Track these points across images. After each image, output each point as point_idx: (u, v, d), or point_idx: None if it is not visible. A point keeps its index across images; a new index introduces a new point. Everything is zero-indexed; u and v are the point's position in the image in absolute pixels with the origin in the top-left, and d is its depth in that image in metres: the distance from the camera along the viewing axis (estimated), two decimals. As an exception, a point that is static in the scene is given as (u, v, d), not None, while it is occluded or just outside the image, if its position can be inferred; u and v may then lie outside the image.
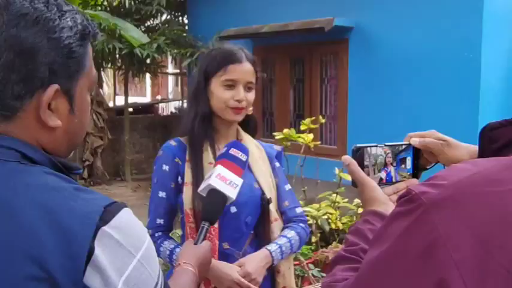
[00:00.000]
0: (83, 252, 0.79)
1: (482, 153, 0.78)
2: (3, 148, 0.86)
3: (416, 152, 1.21)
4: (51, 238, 0.79)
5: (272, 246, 1.81)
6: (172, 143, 1.88)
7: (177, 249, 1.76)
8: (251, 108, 1.88)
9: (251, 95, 1.84)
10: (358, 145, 1.13)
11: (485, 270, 0.60)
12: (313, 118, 4.93)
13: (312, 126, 4.60)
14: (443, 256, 0.62)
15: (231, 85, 1.80)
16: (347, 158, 1.10)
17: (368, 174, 1.11)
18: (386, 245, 0.69)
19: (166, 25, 9.24)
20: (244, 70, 1.82)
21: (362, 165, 1.11)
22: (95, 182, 9.24)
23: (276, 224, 1.88)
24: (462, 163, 0.71)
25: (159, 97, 16.36)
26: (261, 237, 1.90)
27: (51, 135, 0.92)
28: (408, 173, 1.20)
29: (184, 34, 8.75)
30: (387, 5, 6.08)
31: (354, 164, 1.09)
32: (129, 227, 0.86)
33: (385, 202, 1.04)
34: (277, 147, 2.05)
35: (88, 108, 0.99)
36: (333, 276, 0.87)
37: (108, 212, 0.84)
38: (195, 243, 1.43)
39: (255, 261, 1.76)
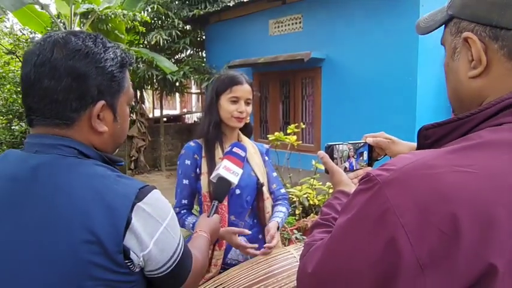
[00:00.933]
0: (122, 221, 0.79)
1: (419, 147, 0.77)
2: (65, 147, 0.86)
3: (370, 148, 1.21)
4: (99, 212, 0.78)
5: (278, 219, 1.81)
6: (192, 143, 1.86)
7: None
8: (248, 118, 1.87)
9: (249, 108, 1.83)
10: (329, 143, 1.13)
11: (424, 229, 0.60)
12: (296, 124, 4.94)
13: (296, 130, 4.61)
14: (393, 220, 0.62)
15: (235, 100, 1.79)
16: (321, 153, 1.10)
17: (337, 164, 1.11)
18: (352, 212, 0.69)
19: (190, 58, 9.20)
20: (245, 90, 1.80)
21: (332, 158, 1.11)
22: (139, 171, 9.25)
23: (268, 201, 1.88)
24: (406, 154, 0.70)
25: (185, 110, 16.34)
26: (256, 210, 1.90)
27: (100, 138, 0.91)
28: (365, 163, 1.20)
29: (203, 64, 8.71)
30: (348, 43, 6.07)
31: (327, 157, 1.09)
32: (157, 203, 0.86)
33: (349, 184, 1.04)
34: (267, 146, 2.03)
35: (127, 117, 0.98)
36: (313, 237, 0.87)
37: (142, 192, 0.84)
38: (208, 216, 1.42)
39: (274, 228, 1.74)
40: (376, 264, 0.64)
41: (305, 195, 4.40)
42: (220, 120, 1.82)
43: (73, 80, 0.84)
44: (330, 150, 1.12)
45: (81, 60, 0.85)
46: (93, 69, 0.86)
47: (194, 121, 13.00)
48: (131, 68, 1.01)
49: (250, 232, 1.70)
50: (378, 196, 0.65)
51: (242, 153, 1.64)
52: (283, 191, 1.97)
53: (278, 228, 1.79)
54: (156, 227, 0.84)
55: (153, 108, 12.69)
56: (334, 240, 0.73)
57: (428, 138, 0.75)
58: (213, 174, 1.55)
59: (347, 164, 1.15)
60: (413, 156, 0.68)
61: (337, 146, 1.13)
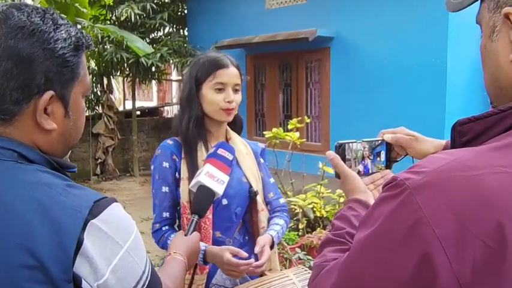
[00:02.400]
0: (72, 243, 0.78)
1: (453, 145, 0.79)
2: (2, 149, 0.85)
3: (389, 146, 1.23)
4: (42, 230, 0.77)
5: (273, 233, 1.80)
6: (169, 141, 1.85)
7: None
8: (237, 109, 1.86)
9: (238, 97, 1.81)
10: (341, 141, 1.14)
11: (464, 242, 0.62)
12: (300, 118, 4.93)
13: (299, 125, 4.61)
14: (426, 232, 0.64)
15: (220, 88, 1.77)
16: (331, 153, 1.11)
17: (350, 167, 1.12)
18: (375, 225, 0.71)
19: (169, 37, 9.18)
20: (232, 74, 1.79)
21: (344, 159, 1.13)
22: (106, 177, 9.24)
23: (263, 213, 1.87)
24: (439, 153, 0.72)
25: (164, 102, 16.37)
26: (248, 225, 1.89)
27: (47, 137, 0.90)
28: (382, 165, 1.22)
29: (185, 45, 8.69)
30: (363, 17, 6.08)
31: (337, 158, 1.10)
32: (117, 220, 0.85)
33: (365, 191, 1.05)
34: (262, 145, 2.03)
35: (83, 112, 0.97)
36: (323, 257, 0.88)
37: (98, 206, 0.83)
38: (186, 235, 1.42)
39: (265, 241, 1.74)
40: (407, 286, 0.65)
41: (310, 206, 4.41)
42: (203, 114, 1.81)
43: (14, 65, 0.83)
44: (341, 150, 1.13)
45: (25, 40, 0.84)
46: (39, 52, 0.85)
47: (175, 115, 12.94)
48: (90, 50, 1.01)
49: (247, 255, 1.69)
50: (408, 204, 0.66)
51: (229, 156, 1.63)
52: (282, 201, 1.97)
53: (272, 246, 1.78)
54: (114, 251, 0.83)
55: (124, 99, 12.69)
56: (354, 259, 0.74)
57: (464, 134, 0.77)
58: (193, 182, 1.55)
59: (361, 167, 1.17)
60: (448, 155, 0.69)
61: (349, 144, 1.15)
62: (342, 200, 4.40)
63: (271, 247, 1.78)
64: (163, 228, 1.81)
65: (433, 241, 0.63)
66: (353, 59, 6.25)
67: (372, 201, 1.00)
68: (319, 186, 4.53)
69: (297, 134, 4.53)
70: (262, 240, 1.73)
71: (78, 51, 0.92)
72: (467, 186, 0.64)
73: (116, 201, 0.87)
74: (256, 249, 1.70)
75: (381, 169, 1.21)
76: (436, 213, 0.64)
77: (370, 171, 1.18)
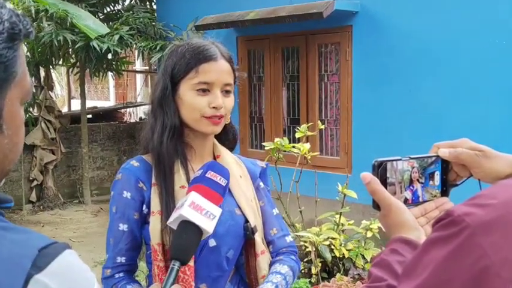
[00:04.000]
0: None
1: None
2: None
3: (446, 165, 1.23)
4: None
5: (269, 286, 1.79)
6: (134, 163, 1.86)
7: None
8: (229, 116, 1.87)
9: (230, 100, 1.82)
10: (380, 159, 1.15)
11: None
12: (311, 124, 4.94)
13: (309, 133, 4.62)
14: (496, 286, 0.64)
15: (205, 89, 1.78)
16: (367, 175, 1.11)
17: (393, 194, 1.13)
18: (424, 275, 0.71)
19: (131, 12, 9.17)
20: (220, 70, 1.80)
21: (385, 183, 1.13)
22: (45, 206, 9.17)
23: (263, 257, 1.88)
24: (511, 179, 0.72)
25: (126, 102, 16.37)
26: (244, 272, 1.90)
27: None
28: (437, 190, 1.22)
29: (153, 23, 8.70)
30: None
31: (376, 182, 1.10)
32: (70, 274, 0.85)
33: (417, 228, 1.05)
34: (262, 164, 2.05)
35: (22, 124, 0.97)
36: None
37: (44, 256, 0.82)
38: None
39: None
40: None
41: (326, 242, 4.41)
42: (181, 123, 1.82)
43: None
44: (381, 171, 1.14)
45: None
46: None
47: (140, 118, 12.97)
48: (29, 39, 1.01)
49: None
50: (469, 248, 0.67)
51: (222, 181, 1.64)
52: (289, 239, 1.97)
53: None
54: None
55: (69, 97, 12.66)
56: None
57: None
58: (173, 217, 1.54)
59: (408, 194, 1.17)
60: None
61: (392, 163, 1.16)
62: (369, 234, 4.41)
63: None
64: (117, 276, 1.82)
65: None
66: (384, 41, 6.26)
67: None
68: (337, 216, 4.53)
69: (307, 146, 4.55)
70: None
71: (14, 42, 0.91)
72: None
73: (69, 248, 0.87)
74: None
75: (435, 196, 1.21)
76: (509, 261, 0.64)
77: (420, 199, 1.19)
